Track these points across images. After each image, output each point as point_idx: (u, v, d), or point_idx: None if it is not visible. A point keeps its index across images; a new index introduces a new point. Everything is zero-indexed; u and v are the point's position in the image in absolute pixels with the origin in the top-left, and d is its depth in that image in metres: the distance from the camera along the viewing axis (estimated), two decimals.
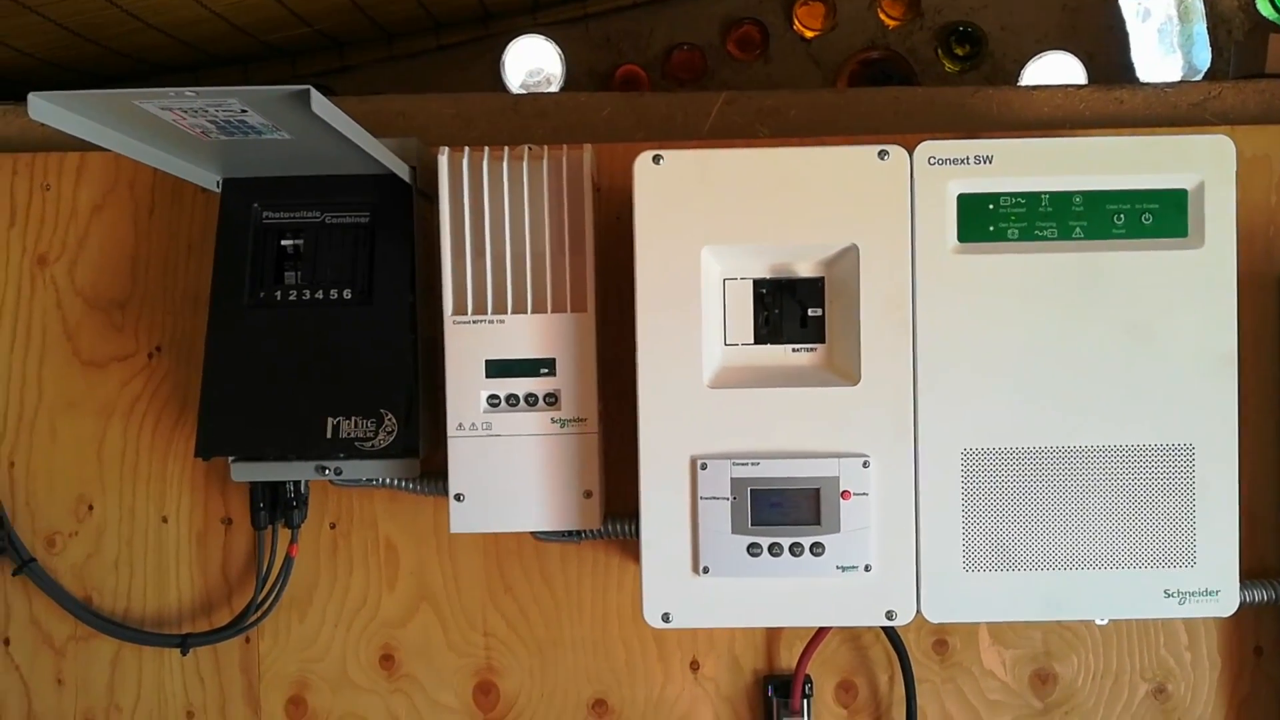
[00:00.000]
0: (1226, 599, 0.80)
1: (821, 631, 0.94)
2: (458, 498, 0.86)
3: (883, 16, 1.37)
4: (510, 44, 1.34)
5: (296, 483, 0.94)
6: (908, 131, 1.00)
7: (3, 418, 0.98)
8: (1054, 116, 1.01)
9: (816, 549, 0.78)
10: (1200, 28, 1.37)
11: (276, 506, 0.95)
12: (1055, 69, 1.34)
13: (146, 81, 1.03)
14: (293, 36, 1.25)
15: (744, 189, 0.79)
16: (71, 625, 0.98)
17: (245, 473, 0.90)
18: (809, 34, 1.38)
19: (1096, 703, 0.97)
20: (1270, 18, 1.33)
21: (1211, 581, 0.80)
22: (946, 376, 0.79)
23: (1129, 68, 1.36)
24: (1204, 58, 1.38)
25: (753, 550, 0.78)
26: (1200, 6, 1.37)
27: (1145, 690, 0.97)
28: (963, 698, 0.97)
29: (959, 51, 1.36)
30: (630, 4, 1.35)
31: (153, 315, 0.98)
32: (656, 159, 0.79)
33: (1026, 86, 1.03)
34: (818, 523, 0.78)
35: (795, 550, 0.78)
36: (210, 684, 0.98)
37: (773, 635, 0.98)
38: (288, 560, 0.95)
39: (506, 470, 0.86)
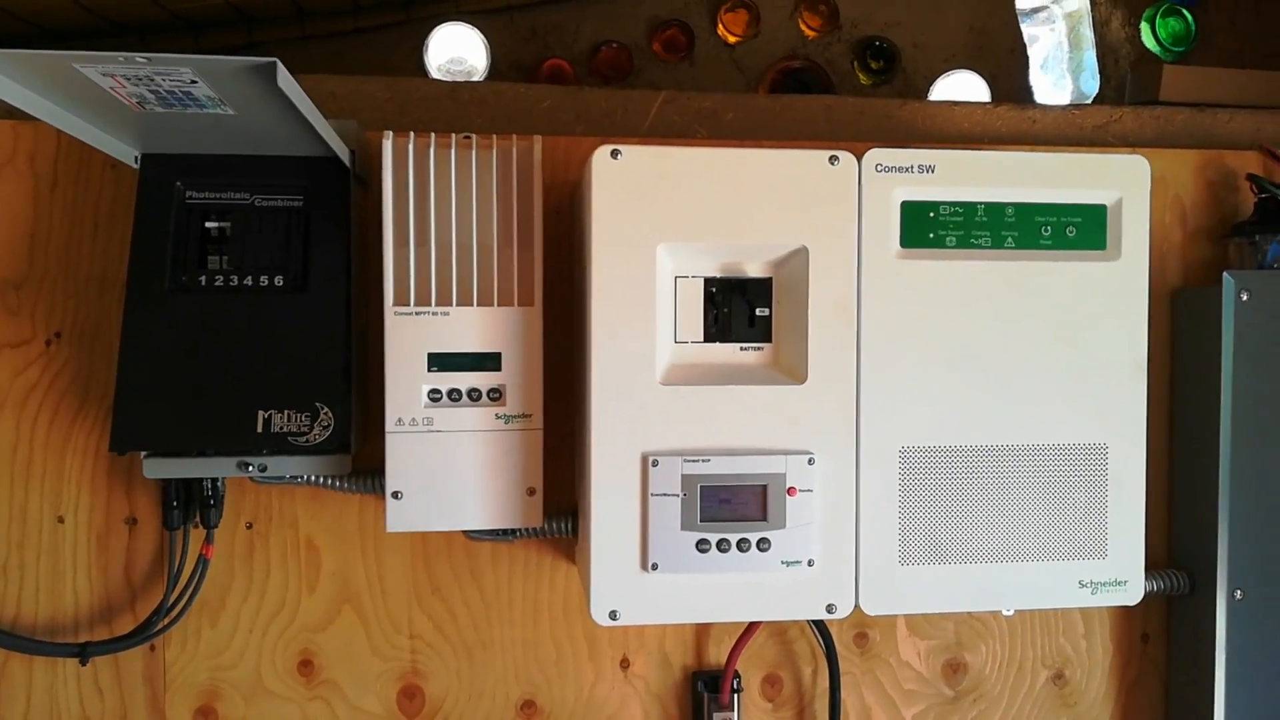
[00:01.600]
0: (1133, 588, 0.85)
1: (751, 627, 0.95)
2: (395, 495, 0.83)
3: (803, 27, 1.41)
4: (434, 30, 1.30)
5: (214, 480, 0.88)
6: (839, 139, 1.03)
7: None
8: (973, 131, 1.06)
9: (763, 544, 0.79)
10: (1090, 55, 1.46)
11: (190, 505, 0.89)
12: (962, 87, 1.41)
13: (34, 47, 0.96)
14: (200, 7, 1.18)
15: (699, 188, 0.80)
16: None
17: (159, 469, 0.84)
18: (732, 39, 1.40)
19: (1002, 690, 1.03)
20: (1153, 49, 1.43)
21: (1120, 572, 0.85)
22: (888, 376, 0.82)
23: (1029, 90, 1.45)
24: (1092, 85, 1.47)
25: (701, 546, 0.79)
26: (1090, 35, 1.46)
27: (1046, 676, 1.03)
28: (880, 688, 1.01)
29: (874, 65, 1.41)
30: None
31: (52, 298, 0.91)
32: (615, 154, 0.79)
33: (948, 101, 1.08)
34: (764, 519, 0.80)
35: (742, 546, 0.79)
36: (110, 695, 0.91)
37: (701, 631, 0.99)
38: (202, 562, 0.90)
39: (447, 467, 0.83)
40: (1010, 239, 0.85)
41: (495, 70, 1.35)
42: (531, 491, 0.85)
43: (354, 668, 0.94)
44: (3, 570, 0.90)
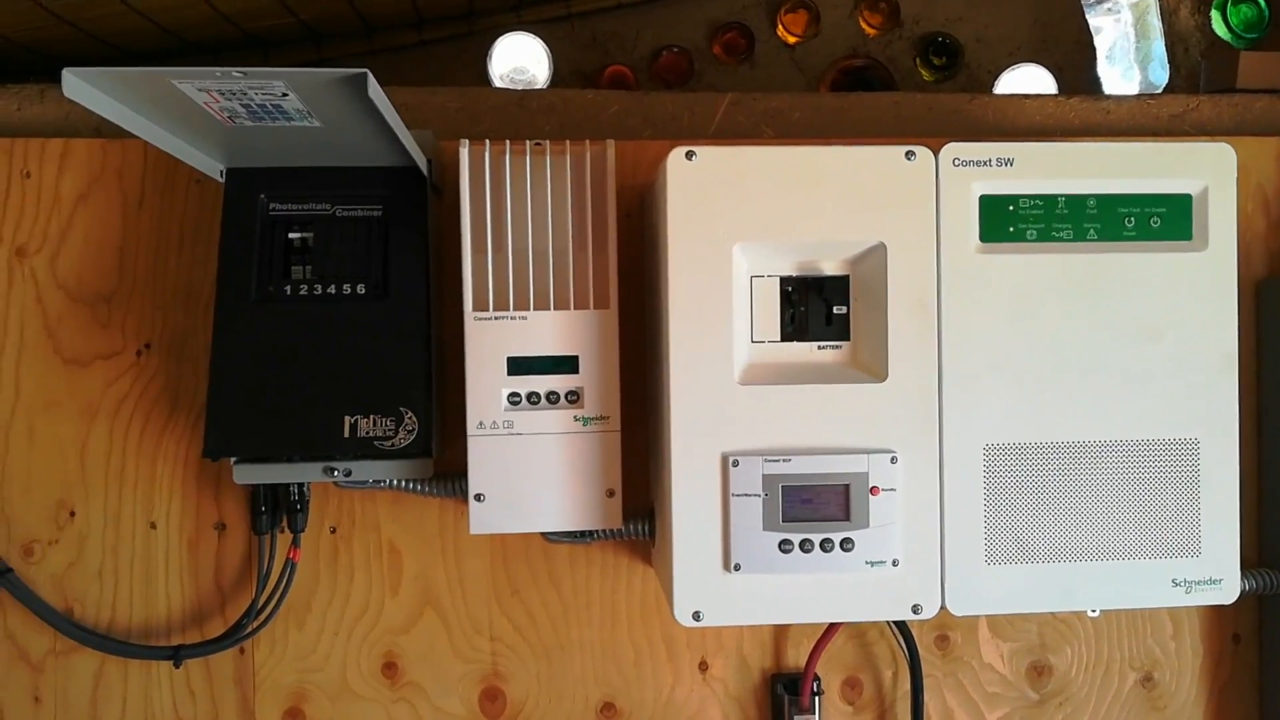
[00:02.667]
0: (1229, 587, 0.83)
1: (831, 629, 0.94)
2: (478, 498, 0.84)
3: (863, 25, 1.40)
4: (498, 40, 1.32)
5: (300, 485, 0.90)
6: (907, 135, 1.02)
7: None
8: (1045, 124, 1.05)
9: (846, 544, 0.79)
10: (1158, 45, 1.43)
11: (277, 510, 0.91)
12: (1027, 81, 1.39)
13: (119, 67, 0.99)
14: (271, 26, 1.21)
15: (774, 187, 0.80)
16: (50, 639, 0.92)
17: (248, 475, 0.86)
18: (792, 40, 1.39)
19: (1089, 693, 1.00)
20: (1224, 37, 1.40)
21: (1215, 570, 0.83)
22: (969, 373, 0.81)
23: (1096, 81, 1.42)
24: (1161, 75, 1.44)
25: (784, 546, 0.79)
26: (1158, 24, 1.43)
27: (1134, 679, 1.01)
28: (963, 691, 0.99)
29: (936, 61, 1.40)
30: (614, 4, 1.35)
31: (141, 310, 0.94)
32: (690, 155, 0.79)
33: (1019, 95, 1.06)
34: (847, 518, 0.79)
35: (826, 546, 0.79)
36: (202, 697, 0.93)
37: (780, 634, 0.98)
38: (289, 566, 0.91)
39: (527, 469, 0.84)
40: (1093, 231, 0.83)
41: (557, 78, 1.36)
42: (611, 493, 0.85)
43: (436, 669, 0.95)
44: (98, 575, 0.93)
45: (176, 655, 0.90)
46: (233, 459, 0.86)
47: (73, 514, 0.93)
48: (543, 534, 0.94)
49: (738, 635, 0.98)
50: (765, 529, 0.79)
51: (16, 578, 0.91)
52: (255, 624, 0.91)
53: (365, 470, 0.87)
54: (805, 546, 0.79)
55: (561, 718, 0.96)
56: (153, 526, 0.93)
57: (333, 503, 0.95)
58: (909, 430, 0.80)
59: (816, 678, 0.96)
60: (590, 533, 0.92)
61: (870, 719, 0.99)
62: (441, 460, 0.92)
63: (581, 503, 0.85)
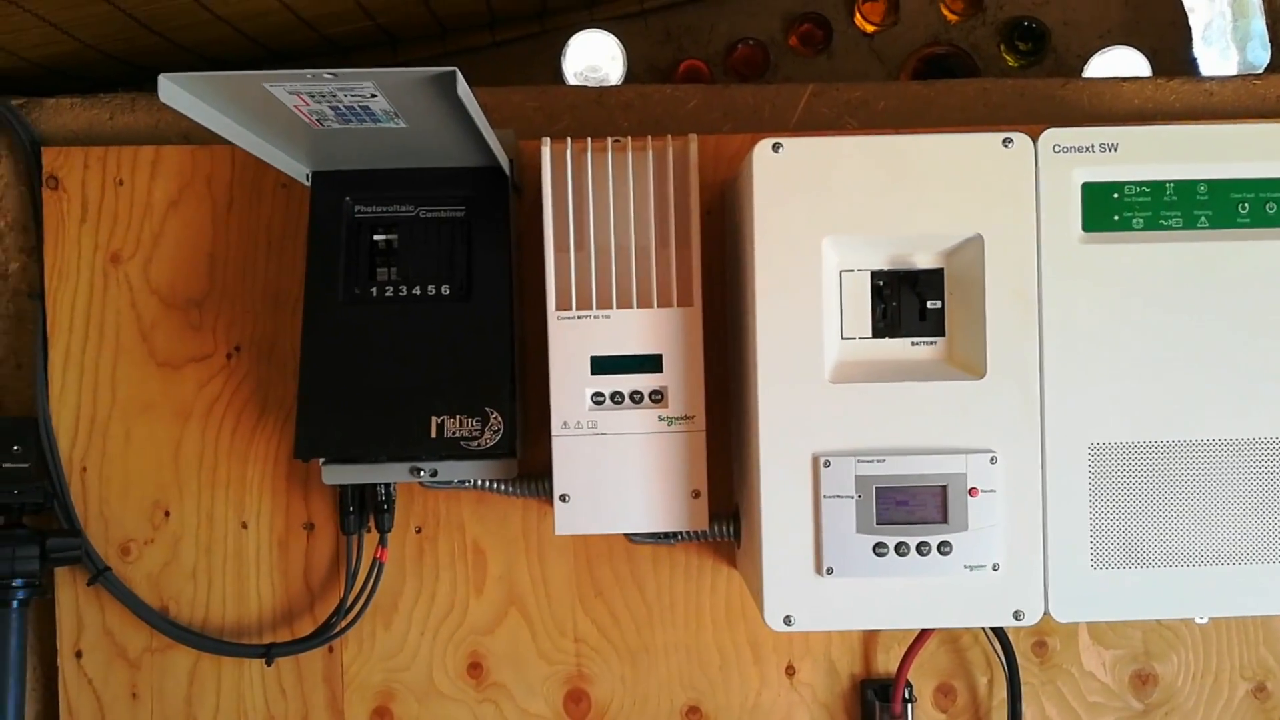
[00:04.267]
0: None
1: (924, 634, 0.92)
2: (563, 498, 0.83)
3: (945, 11, 1.36)
4: (571, 38, 1.31)
5: (387, 486, 0.91)
6: (997, 123, 0.99)
7: (74, 422, 0.94)
8: (1144, 108, 1.00)
9: (944, 548, 0.76)
10: (1258, 23, 1.36)
11: (364, 511, 0.92)
12: (1119, 64, 1.33)
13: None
14: (350, 30, 1.22)
15: (863, 178, 0.77)
16: (147, 636, 0.94)
17: (337, 475, 0.87)
18: (870, 29, 1.36)
19: (1197, 703, 0.96)
20: None
21: None
22: (1073, 369, 0.77)
23: (1192, 63, 1.36)
24: (1261, 55, 1.37)
25: (879, 550, 0.76)
26: (1257, 2, 1.36)
27: (1245, 689, 0.96)
28: (1062, 700, 0.95)
29: (1021, 47, 1.35)
30: None
31: (231, 314, 0.95)
32: (776, 147, 0.77)
33: (1114, 78, 1.02)
34: (945, 521, 0.76)
35: (922, 549, 0.76)
36: (292, 695, 0.95)
37: (869, 639, 0.96)
38: (376, 565, 0.92)
39: (613, 470, 0.83)
40: (1203, 218, 0.79)
41: (631, 75, 1.35)
42: (696, 494, 0.84)
43: (521, 670, 0.95)
44: (192, 575, 0.94)
45: (268, 653, 0.92)
46: (321, 460, 0.87)
47: (167, 514, 0.94)
48: (626, 535, 0.93)
49: (826, 639, 0.95)
50: (859, 532, 0.76)
51: (114, 576, 0.93)
52: (344, 623, 0.92)
53: (451, 470, 0.87)
54: (901, 550, 0.76)
55: (648, 718, 0.96)
56: (244, 526, 0.95)
57: (418, 503, 0.95)
58: (1009, 429, 0.77)
59: (908, 684, 0.93)
60: (674, 534, 0.91)
61: None
62: (525, 461, 0.91)
63: (666, 504, 0.84)
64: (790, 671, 0.95)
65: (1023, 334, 0.77)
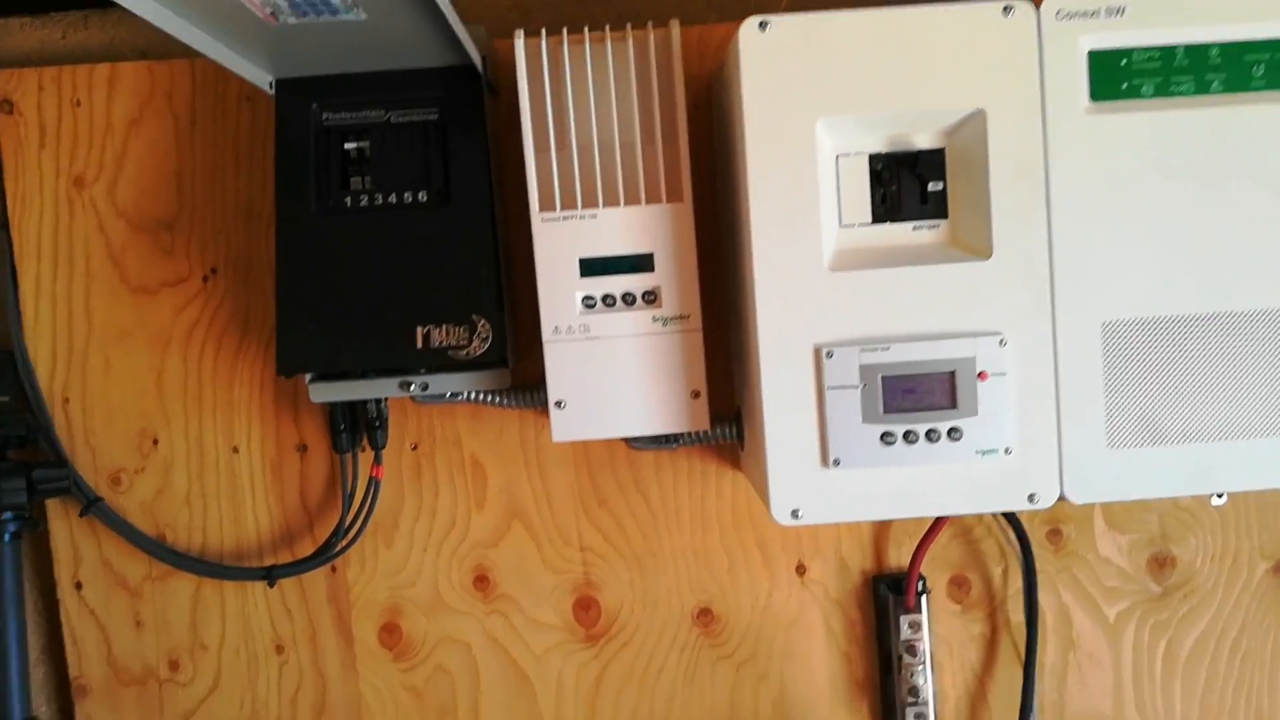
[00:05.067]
0: None
1: (936, 526, 0.90)
2: (558, 404, 0.81)
3: None
4: None
5: (378, 401, 0.88)
6: None
7: (52, 352, 0.91)
8: None
9: (954, 434, 0.74)
10: None
11: (357, 429, 0.90)
12: None
13: None
14: None
15: (857, 55, 0.73)
16: (146, 565, 0.93)
17: (325, 393, 0.84)
18: None
19: (1215, 584, 0.95)
20: None
21: None
22: (1083, 245, 0.74)
23: None
24: None
25: (886, 439, 0.74)
26: None
27: (1265, 568, 0.94)
28: (1079, 586, 0.94)
29: None
30: None
31: (203, 235, 0.91)
32: (763, 25, 0.72)
33: None
34: (954, 406, 0.74)
35: (931, 436, 0.74)
36: (298, 616, 0.94)
37: (880, 534, 0.94)
38: (373, 484, 0.90)
39: (608, 374, 0.80)
40: (1217, 82, 0.74)
41: None
42: (696, 394, 0.81)
43: (528, 581, 0.94)
44: (186, 501, 0.93)
45: (270, 575, 0.90)
46: (308, 378, 0.84)
47: (156, 442, 0.92)
48: (627, 441, 0.91)
49: (835, 537, 0.94)
50: (865, 421, 0.74)
51: (107, 506, 0.91)
52: (344, 542, 0.91)
53: (442, 384, 0.84)
54: (909, 438, 0.74)
55: (658, 624, 0.95)
56: (235, 451, 0.93)
57: (412, 420, 0.93)
58: (1018, 310, 0.74)
59: (922, 577, 0.92)
60: (675, 438, 0.88)
61: (980, 617, 0.95)
62: (519, 372, 0.89)
63: (666, 406, 0.81)
64: (801, 570, 0.94)
65: (1029, 211, 0.73)
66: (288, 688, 0.94)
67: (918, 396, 0.74)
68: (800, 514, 0.75)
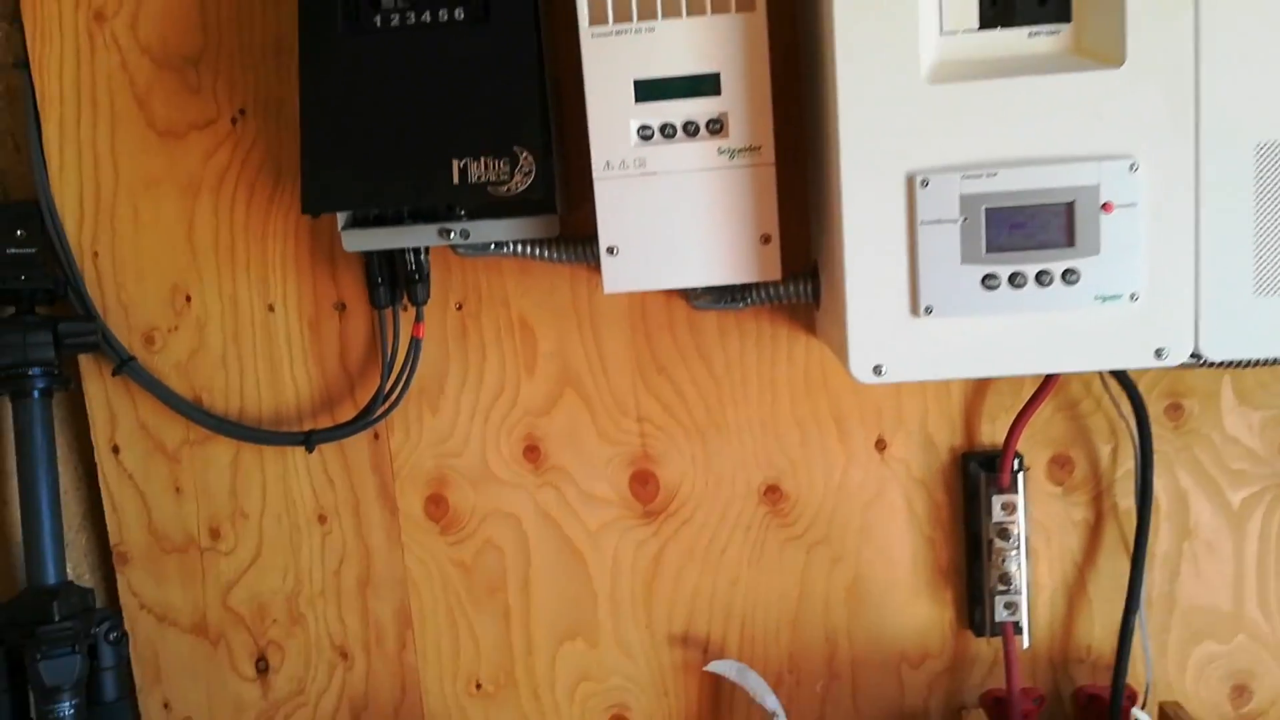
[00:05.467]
0: None
1: (1039, 393, 0.80)
2: (610, 251, 0.72)
3: None
4: None
5: (416, 252, 0.81)
6: None
7: (78, 203, 0.86)
8: None
9: (1069, 276, 0.63)
10: None
11: (395, 283, 0.83)
12: None
13: None
14: None
15: None
16: (184, 428, 0.89)
17: (359, 241, 0.77)
18: None
19: None
20: None
21: None
22: (1239, 51, 0.61)
23: None
24: None
25: (989, 282, 0.63)
26: None
27: None
28: (1199, 469, 0.83)
29: None
30: None
31: (231, 72, 0.84)
32: None
33: None
34: (1071, 244, 0.63)
35: (1042, 279, 0.63)
36: (340, 485, 0.89)
37: (972, 406, 0.84)
38: (414, 343, 0.83)
39: (666, 215, 0.71)
40: None
41: None
42: (766, 239, 0.71)
43: (581, 453, 0.87)
44: (222, 362, 0.87)
45: (309, 440, 0.85)
46: (340, 224, 0.77)
47: (189, 299, 0.87)
48: (688, 298, 0.82)
49: (921, 409, 0.84)
50: (964, 262, 0.63)
51: (140, 366, 0.87)
52: (384, 407, 0.85)
53: (484, 231, 0.76)
54: (1016, 281, 0.63)
55: (721, 502, 0.87)
56: (271, 309, 0.87)
57: (456, 276, 0.85)
58: (1154, 129, 0.62)
59: (1018, 455, 0.82)
60: (742, 294, 0.79)
61: (1083, 500, 0.85)
62: (569, 224, 0.80)
63: (732, 252, 0.72)
64: (880, 446, 0.85)
65: (1173, 8, 0.61)
66: (331, 559, 0.90)
67: (1028, 232, 0.63)
68: (883, 370, 0.66)
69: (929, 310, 0.64)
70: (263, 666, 0.92)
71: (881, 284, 0.64)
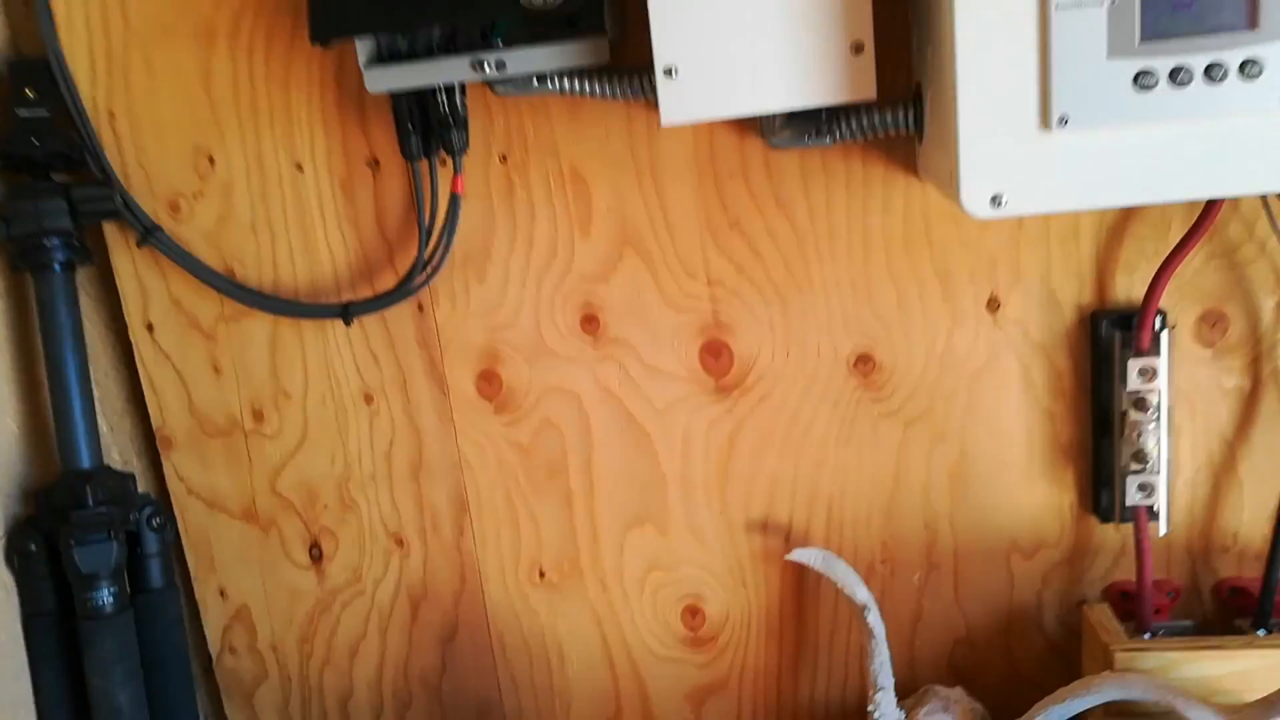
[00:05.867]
0: None
1: (1192, 236, 0.66)
2: (669, 73, 0.61)
3: None
4: None
5: (450, 92, 0.71)
6: None
7: (89, 56, 0.78)
8: None
9: (1250, 69, 0.49)
10: None
11: (429, 132, 0.73)
12: None
13: None
14: None
15: None
16: (217, 304, 0.82)
17: (383, 79, 0.67)
18: None
19: None
20: None
21: None
22: None
23: None
24: None
25: (1143, 81, 0.50)
26: None
27: None
28: None
29: None
30: None
31: None
32: None
33: None
34: (1254, 25, 0.49)
35: (1214, 74, 0.50)
36: (385, 361, 0.81)
37: (1106, 256, 0.71)
38: (453, 200, 0.74)
39: (734, 24, 0.59)
40: None
41: None
42: (858, 47, 0.59)
43: (645, 322, 0.77)
44: (252, 229, 0.80)
45: (346, 312, 0.78)
46: (361, 61, 0.67)
47: (212, 161, 0.79)
48: (765, 136, 0.70)
49: (1043, 260, 0.72)
50: (1111, 56, 0.50)
51: (167, 236, 0.80)
52: (424, 275, 0.76)
53: (522, 60, 0.65)
54: (1179, 78, 0.50)
55: (805, 374, 0.77)
56: (299, 169, 0.78)
57: (499, 123, 0.75)
58: None
59: (1161, 312, 0.69)
60: (829, 127, 0.67)
61: (1237, 366, 0.72)
62: (625, 54, 0.69)
63: (816, 66, 0.59)
64: (993, 306, 0.73)
65: None
66: (380, 441, 0.83)
67: (1196, 14, 0.49)
68: (1004, 201, 0.54)
69: (1064, 121, 0.51)
70: (316, 554, 0.87)
71: (1003, 90, 0.52)
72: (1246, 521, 0.75)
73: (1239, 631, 0.74)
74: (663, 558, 0.83)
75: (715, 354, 0.77)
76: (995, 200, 0.54)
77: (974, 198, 0.54)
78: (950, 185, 0.56)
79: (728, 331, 0.77)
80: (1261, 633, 0.73)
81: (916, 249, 0.73)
